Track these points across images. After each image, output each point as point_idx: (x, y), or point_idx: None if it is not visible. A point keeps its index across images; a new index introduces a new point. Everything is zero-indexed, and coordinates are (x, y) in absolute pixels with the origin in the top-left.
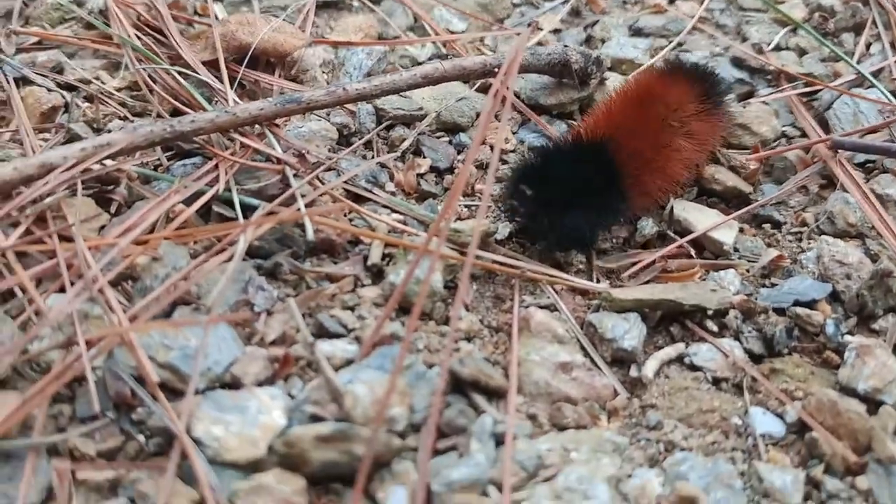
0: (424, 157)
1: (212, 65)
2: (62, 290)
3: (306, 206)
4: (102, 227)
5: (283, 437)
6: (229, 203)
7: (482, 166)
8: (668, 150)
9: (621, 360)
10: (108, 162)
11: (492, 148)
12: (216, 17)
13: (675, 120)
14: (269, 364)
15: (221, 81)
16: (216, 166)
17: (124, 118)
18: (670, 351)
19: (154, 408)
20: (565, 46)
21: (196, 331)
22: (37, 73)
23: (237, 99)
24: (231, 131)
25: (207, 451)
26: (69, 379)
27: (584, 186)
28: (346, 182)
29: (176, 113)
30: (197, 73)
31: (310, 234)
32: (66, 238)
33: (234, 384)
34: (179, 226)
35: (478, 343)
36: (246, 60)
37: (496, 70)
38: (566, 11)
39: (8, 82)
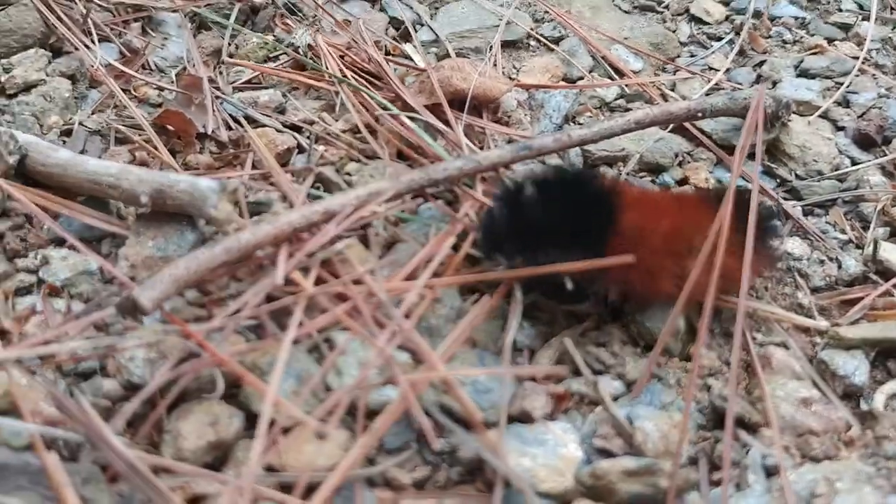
0: None
1: (430, 109)
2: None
3: None
4: (372, 270)
5: (589, 470)
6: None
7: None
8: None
9: (849, 395)
10: (377, 208)
11: (695, 186)
12: (419, 61)
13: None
14: (548, 399)
15: (448, 125)
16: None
17: (358, 160)
18: (893, 385)
19: (465, 440)
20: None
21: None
22: (261, 113)
23: (470, 144)
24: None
25: (519, 483)
26: (398, 416)
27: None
28: None
29: (400, 155)
30: (420, 116)
31: None
32: (356, 282)
33: (524, 419)
34: (450, 268)
35: (720, 379)
36: (467, 106)
37: (699, 115)
38: (730, 50)
39: (239, 123)
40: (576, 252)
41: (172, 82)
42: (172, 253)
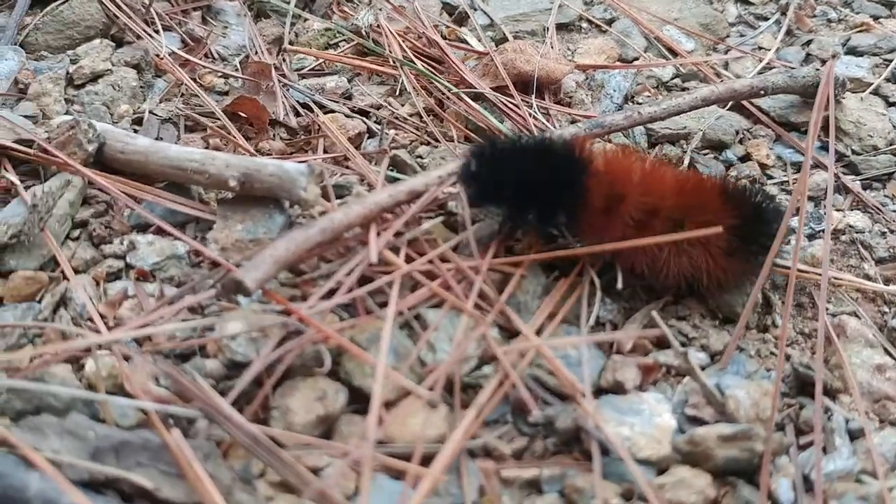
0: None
1: (495, 91)
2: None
3: None
4: (456, 248)
5: (686, 437)
6: None
7: (754, 181)
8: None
9: None
10: (454, 188)
11: (762, 165)
12: (477, 45)
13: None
14: (638, 371)
15: (517, 107)
16: None
17: (428, 143)
18: None
19: (562, 410)
20: (817, 69)
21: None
22: (329, 99)
23: (538, 123)
24: None
25: (620, 451)
26: (504, 392)
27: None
28: None
29: (468, 138)
30: (487, 97)
31: None
32: (443, 259)
33: (617, 390)
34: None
35: (797, 349)
36: (534, 88)
37: (762, 92)
38: (777, 30)
39: (308, 109)
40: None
41: (237, 70)
42: (262, 235)
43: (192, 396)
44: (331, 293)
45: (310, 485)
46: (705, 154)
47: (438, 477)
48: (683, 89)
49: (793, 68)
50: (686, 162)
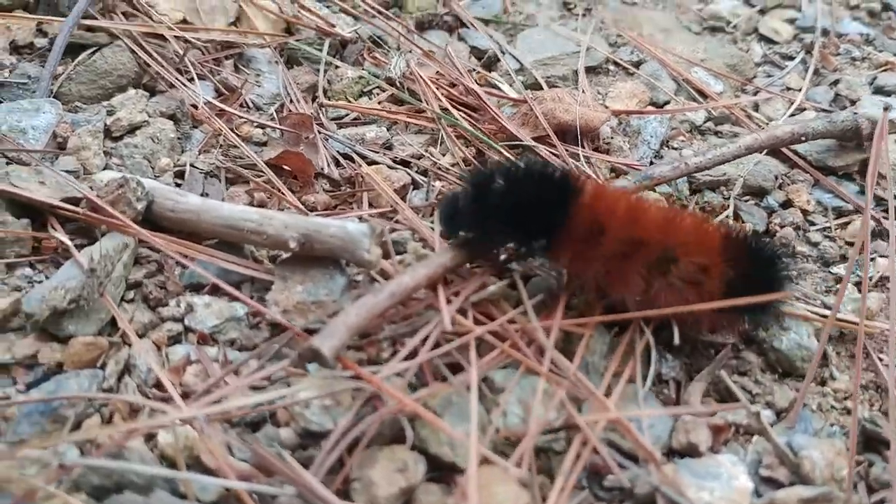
0: (743, 222)
1: (538, 141)
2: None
3: None
4: (516, 305)
5: (766, 501)
6: None
7: (797, 228)
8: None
9: None
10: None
11: (803, 212)
12: (508, 90)
13: (677, 275)
14: (708, 432)
15: (559, 157)
16: None
17: None
18: None
19: (640, 475)
20: (855, 113)
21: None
22: (370, 150)
23: (583, 173)
24: None
25: None
26: (586, 460)
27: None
28: None
29: None
30: (529, 146)
31: None
32: (510, 321)
33: (691, 452)
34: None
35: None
36: (578, 138)
37: (803, 138)
38: (803, 69)
39: (350, 160)
40: (525, 234)
41: (273, 119)
42: (324, 297)
43: (277, 472)
44: (405, 358)
45: None
46: (746, 200)
47: None
48: (716, 133)
49: (830, 111)
50: (731, 209)
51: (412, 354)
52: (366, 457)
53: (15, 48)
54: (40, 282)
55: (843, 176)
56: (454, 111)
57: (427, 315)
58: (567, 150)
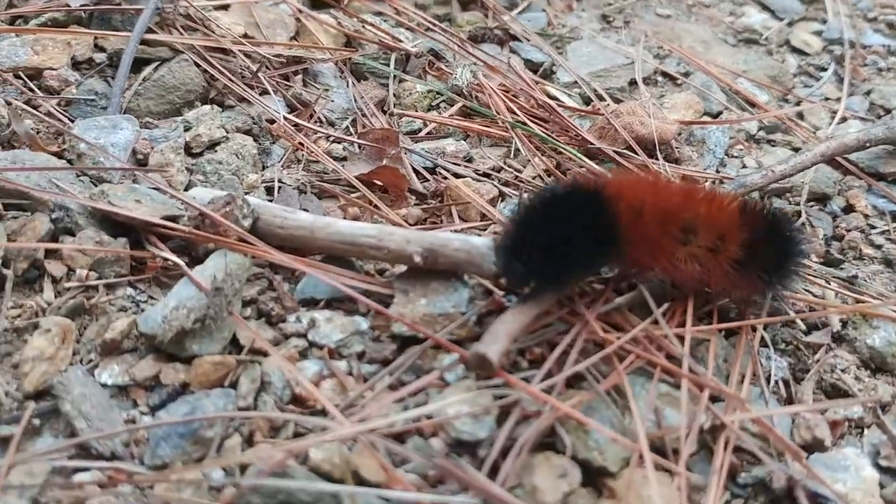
0: (814, 227)
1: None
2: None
3: None
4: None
5: (892, 489)
6: None
7: (862, 231)
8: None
9: None
10: None
11: (864, 216)
12: (567, 100)
13: (700, 247)
14: (827, 427)
15: (644, 169)
16: None
17: None
18: None
19: (776, 469)
20: None
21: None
22: (451, 163)
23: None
24: None
25: None
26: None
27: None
28: None
29: None
30: (607, 159)
31: None
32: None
33: (817, 447)
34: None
35: None
36: (657, 148)
37: (867, 144)
38: (836, 80)
39: (433, 174)
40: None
41: (350, 134)
42: (451, 309)
43: (458, 480)
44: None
45: None
46: (812, 206)
47: None
48: (769, 142)
49: (869, 120)
50: (803, 217)
51: (558, 363)
52: (523, 464)
53: (75, 64)
54: (143, 301)
55: (894, 181)
56: (529, 123)
57: (556, 326)
58: (646, 162)
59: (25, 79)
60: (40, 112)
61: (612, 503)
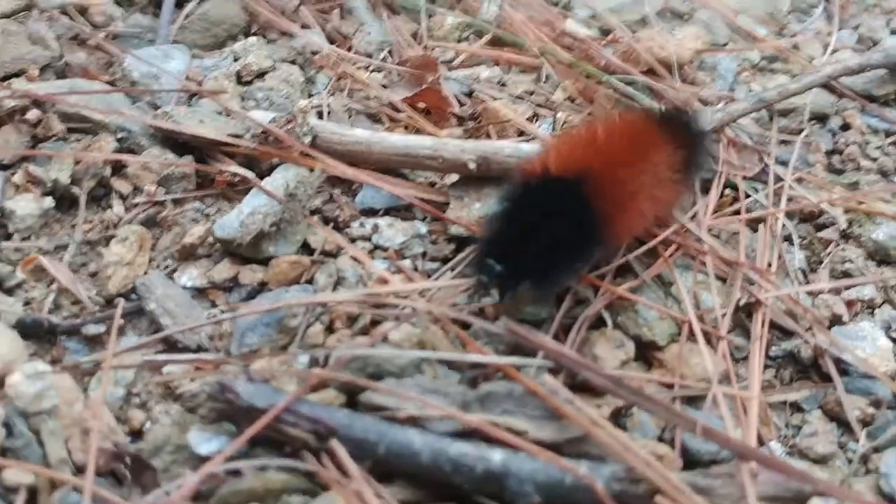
0: (817, 142)
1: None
2: None
3: None
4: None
5: None
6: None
7: (859, 146)
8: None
9: None
10: None
11: (861, 133)
12: (587, 33)
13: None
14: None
15: (669, 90)
16: None
17: None
18: None
19: (800, 342)
20: None
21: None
22: (487, 88)
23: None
24: None
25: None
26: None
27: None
28: None
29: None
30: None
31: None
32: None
33: (836, 321)
34: None
35: None
36: (676, 71)
37: (867, 68)
38: (826, 16)
39: (469, 97)
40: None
41: (385, 61)
42: None
43: (535, 345)
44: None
45: (684, 419)
46: (812, 124)
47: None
48: (771, 70)
49: (860, 49)
50: (807, 131)
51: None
52: (583, 339)
53: (117, 1)
54: (212, 214)
55: (884, 103)
56: (558, 51)
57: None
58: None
59: (72, 15)
60: (89, 45)
61: (663, 372)
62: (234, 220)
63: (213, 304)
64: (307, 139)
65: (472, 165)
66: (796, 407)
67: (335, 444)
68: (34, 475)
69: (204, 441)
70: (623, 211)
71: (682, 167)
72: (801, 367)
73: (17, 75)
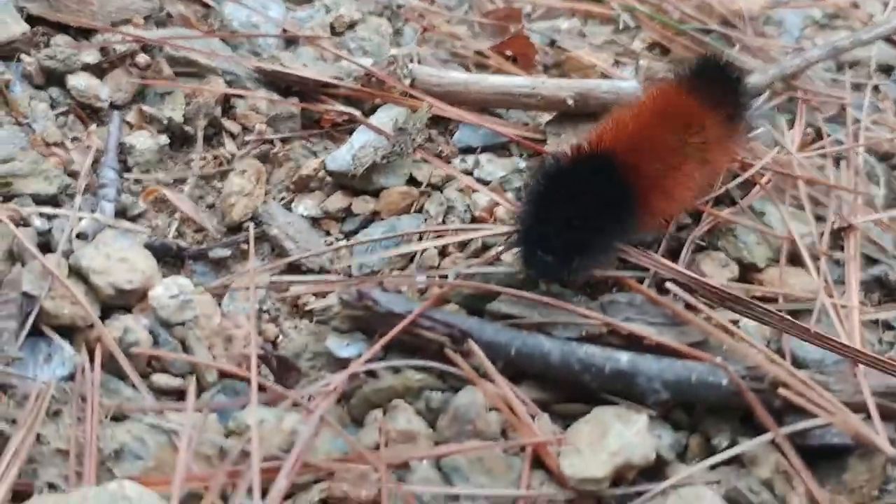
0: (883, 91)
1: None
2: None
3: None
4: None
5: None
6: None
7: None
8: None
9: None
10: None
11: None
12: None
13: (695, 142)
14: None
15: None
16: None
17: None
18: None
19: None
20: None
21: None
22: (568, 38)
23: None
24: None
25: None
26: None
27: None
28: None
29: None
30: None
31: None
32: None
33: None
34: None
35: None
36: (748, 23)
37: None
38: None
39: (552, 46)
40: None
41: (470, 16)
42: None
43: (649, 266)
44: None
45: (798, 326)
46: (878, 75)
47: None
48: (831, 27)
49: None
50: (873, 81)
51: None
52: (690, 259)
53: None
54: (319, 151)
55: None
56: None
57: None
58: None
59: None
60: None
61: (763, 290)
62: (346, 154)
63: (328, 233)
64: (407, 81)
65: (570, 102)
66: (887, 325)
67: (472, 344)
68: (182, 378)
69: (342, 346)
70: (662, 186)
71: (727, 121)
72: (887, 291)
73: (122, 24)
